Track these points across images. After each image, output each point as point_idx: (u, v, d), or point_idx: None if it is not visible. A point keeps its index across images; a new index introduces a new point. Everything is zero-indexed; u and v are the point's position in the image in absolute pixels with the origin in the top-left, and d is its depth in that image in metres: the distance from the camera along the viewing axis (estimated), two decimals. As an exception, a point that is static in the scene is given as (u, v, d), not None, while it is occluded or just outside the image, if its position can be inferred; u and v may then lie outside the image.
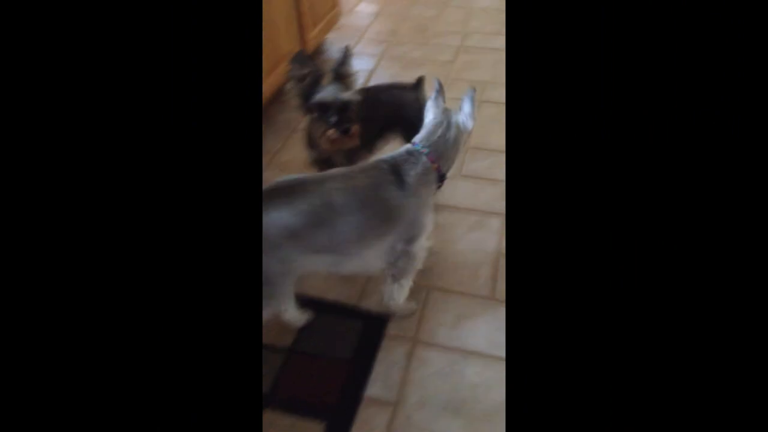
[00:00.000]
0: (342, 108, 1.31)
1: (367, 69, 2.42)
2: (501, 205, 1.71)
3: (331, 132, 1.31)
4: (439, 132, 1.23)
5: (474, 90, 1.27)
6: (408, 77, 1.69)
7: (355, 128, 1.33)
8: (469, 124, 1.26)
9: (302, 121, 2.06)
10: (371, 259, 1.25)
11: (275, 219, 1.07)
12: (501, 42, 2.58)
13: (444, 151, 1.23)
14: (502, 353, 1.29)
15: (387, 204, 1.17)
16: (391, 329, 1.35)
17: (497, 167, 1.86)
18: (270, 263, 1.08)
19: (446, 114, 1.26)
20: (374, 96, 1.54)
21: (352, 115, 1.33)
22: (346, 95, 1.32)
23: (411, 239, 1.25)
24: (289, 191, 1.10)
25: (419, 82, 1.63)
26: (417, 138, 1.24)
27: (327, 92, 1.31)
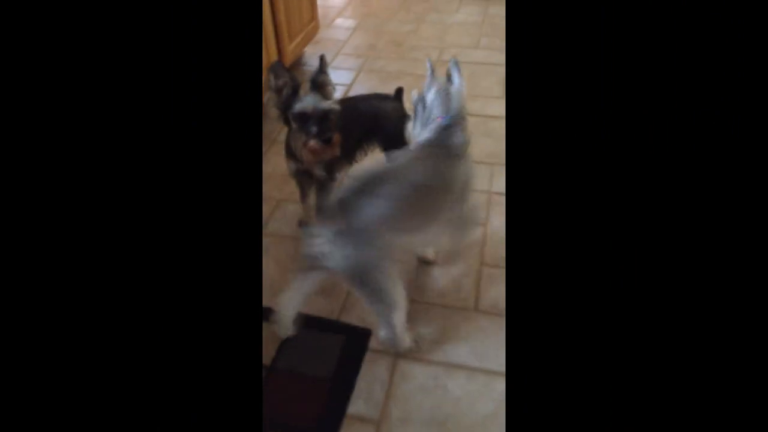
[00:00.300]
0: (322, 117, 1.30)
1: (347, 82, 2.41)
2: (482, 215, 1.70)
3: (312, 143, 1.30)
4: (453, 104, 1.28)
5: (455, 59, 1.34)
6: (387, 90, 1.69)
7: (337, 137, 1.31)
8: (463, 89, 1.33)
9: (282, 133, 2.04)
10: (439, 232, 1.32)
11: (373, 211, 1.09)
12: (477, 55, 2.61)
13: (463, 118, 1.30)
14: (486, 365, 1.27)
15: (446, 175, 1.24)
16: (374, 343, 1.32)
17: (477, 178, 1.86)
18: (370, 256, 1.10)
19: (446, 87, 1.30)
20: (353, 106, 1.53)
21: (332, 125, 1.31)
22: (326, 104, 1.31)
23: (465, 203, 1.33)
24: (374, 181, 1.12)
25: (398, 93, 1.63)
26: (439, 113, 1.27)
27: (306, 102, 1.29)
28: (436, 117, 1.27)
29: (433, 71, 1.32)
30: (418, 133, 1.31)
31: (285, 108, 1.31)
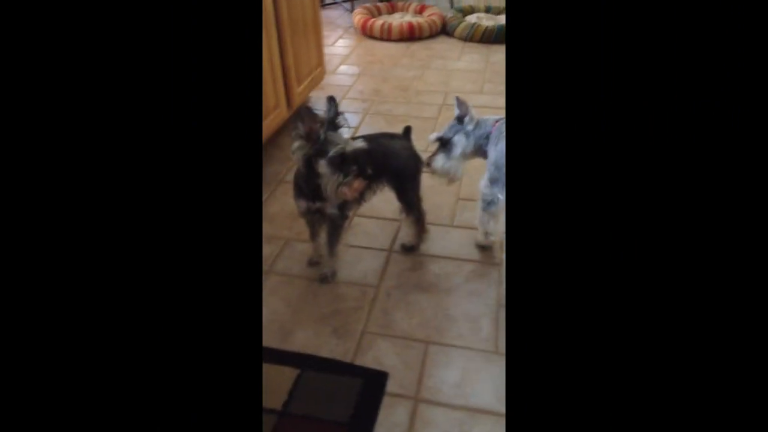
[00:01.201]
0: (358, 157, 1.31)
1: (353, 124, 2.42)
2: (498, 255, 1.66)
3: (357, 182, 1.31)
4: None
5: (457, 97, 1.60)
6: (394, 131, 1.69)
7: (369, 174, 1.34)
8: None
9: (289, 173, 2.02)
10: None
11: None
12: (481, 100, 2.64)
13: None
14: (513, 410, 1.19)
15: None
16: (391, 387, 1.24)
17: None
18: None
19: (473, 117, 1.59)
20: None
21: (365, 163, 1.34)
22: (359, 144, 1.32)
23: None
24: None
25: (407, 132, 1.62)
26: (492, 121, 1.59)
27: (343, 144, 1.30)
28: (494, 122, 1.56)
29: (465, 111, 1.58)
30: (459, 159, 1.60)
31: (316, 152, 1.30)
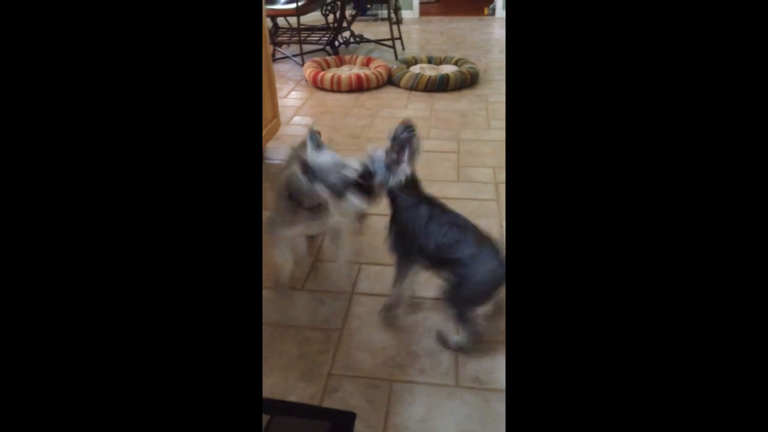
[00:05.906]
0: None
1: (308, 173, 2.50)
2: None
3: None
4: None
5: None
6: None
7: None
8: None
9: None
10: None
11: None
12: (429, 144, 2.79)
13: None
14: (476, 440, 1.25)
15: None
16: (359, 427, 1.29)
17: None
18: None
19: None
20: None
21: None
22: None
23: None
24: None
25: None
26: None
27: None
28: None
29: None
30: None
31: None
